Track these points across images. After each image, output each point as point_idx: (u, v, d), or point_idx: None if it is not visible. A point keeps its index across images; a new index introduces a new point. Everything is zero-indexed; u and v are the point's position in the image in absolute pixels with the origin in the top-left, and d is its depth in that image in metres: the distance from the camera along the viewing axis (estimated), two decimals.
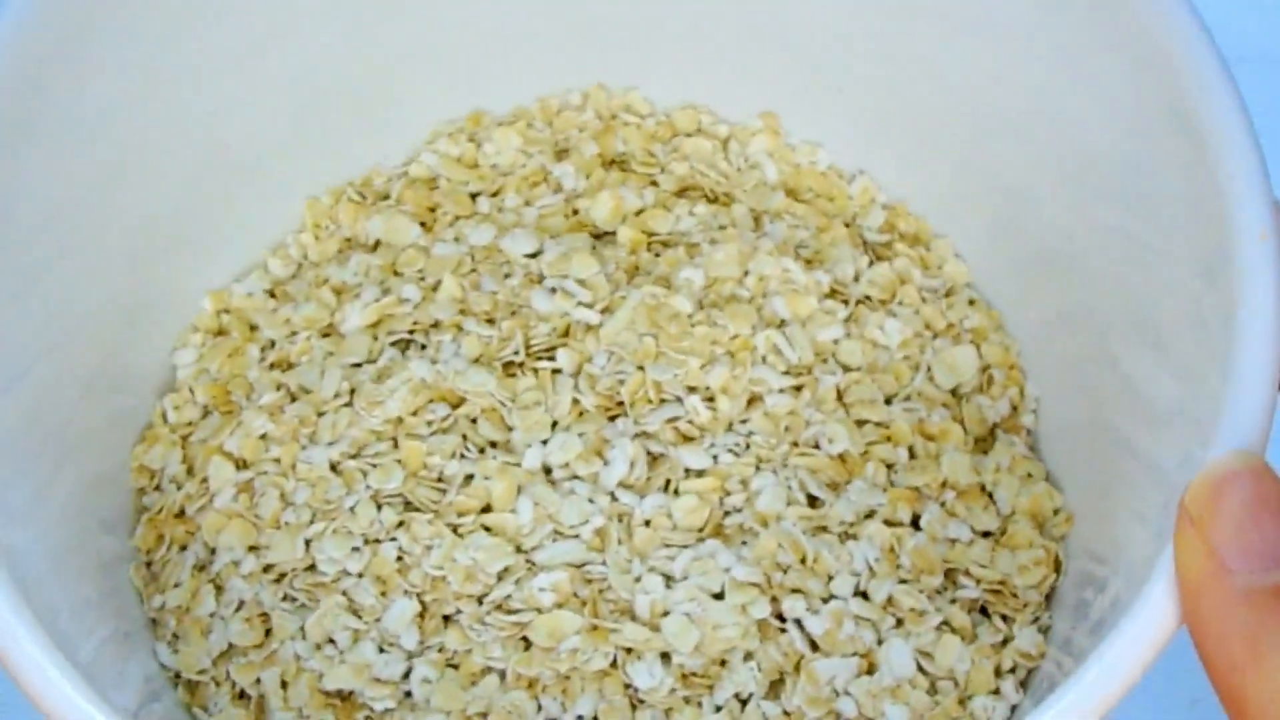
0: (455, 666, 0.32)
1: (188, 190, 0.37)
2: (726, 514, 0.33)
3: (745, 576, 0.32)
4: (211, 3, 0.34)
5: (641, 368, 0.34)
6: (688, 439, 0.34)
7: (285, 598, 0.33)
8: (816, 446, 0.34)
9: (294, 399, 0.35)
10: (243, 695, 0.33)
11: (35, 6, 0.30)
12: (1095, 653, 0.24)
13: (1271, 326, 0.25)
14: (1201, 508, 0.24)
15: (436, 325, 0.36)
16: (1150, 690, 0.37)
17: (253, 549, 0.34)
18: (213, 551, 0.34)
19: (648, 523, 0.33)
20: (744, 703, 0.31)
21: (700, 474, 0.34)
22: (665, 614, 0.32)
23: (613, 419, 0.34)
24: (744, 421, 0.34)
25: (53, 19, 0.30)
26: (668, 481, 0.34)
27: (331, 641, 0.32)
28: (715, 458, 0.34)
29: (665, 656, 0.32)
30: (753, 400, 0.35)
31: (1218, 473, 0.24)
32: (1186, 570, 0.24)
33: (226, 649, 0.33)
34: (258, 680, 0.32)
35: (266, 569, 0.33)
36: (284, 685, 0.32)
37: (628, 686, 0.31)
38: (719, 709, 0.31)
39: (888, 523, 0.33)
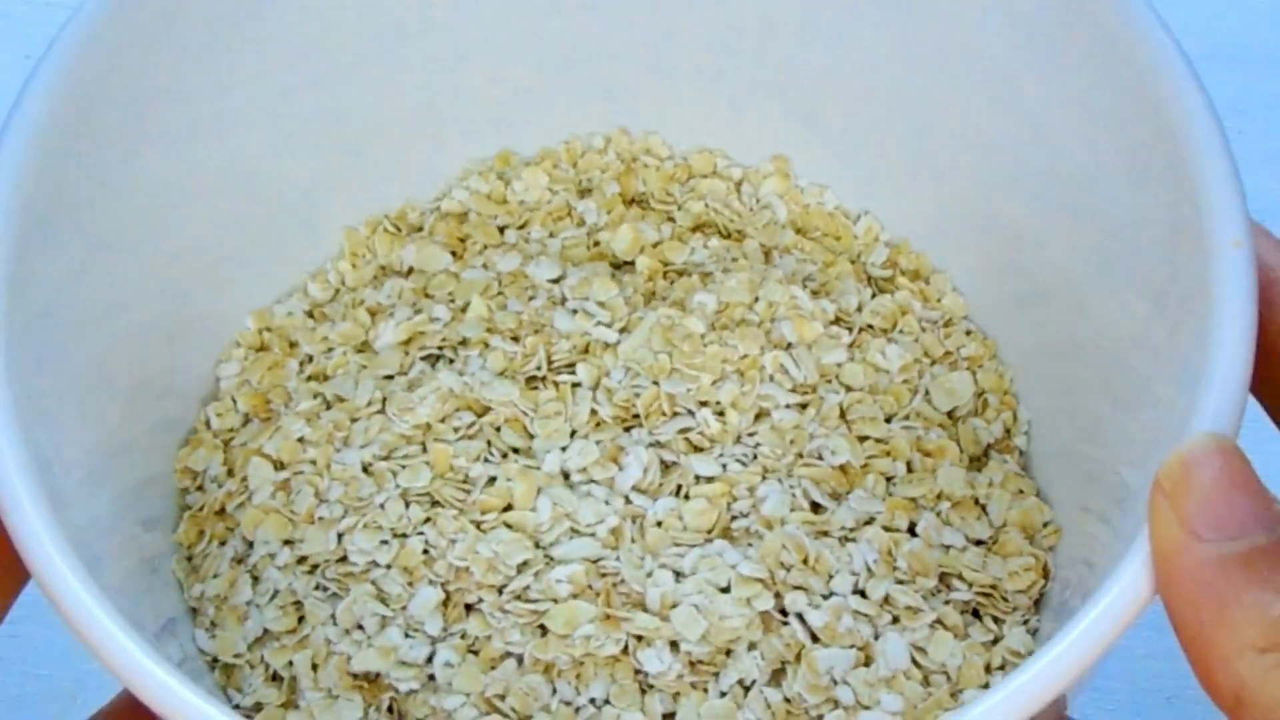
0: (476, 652, 0.34)
1: (235, 218, 0.39)
2: (734, 518, 0.35)
3: (750, 572, 0.34)
4: (261, 48, 0.37)
5: (656, 382, 0.37)
6: (698, 449, 0.36)
7: (317, 587, 0.35)
8: (820, 458, 0.36)
9: (329, 406, 0.38)
10: (275, 677, 0.35)
11: (92, 40, 0.32)
12: (1075, 618, 0.26)
13: (1245, 329, 0.27)
14: (1174, 483, 0.26)
15: (465, 342, 0.38)
16: (1128, 688, 0.39)
17: (288, 543, 0.36)
18: (250, 545, 0.36)
19: (659, 523, 0.35)
20: (747, 689, 0.33)
21: (710, 480, 0.36)
22: (674, 605, 0.34)
23: (628, 429, 0.37)
24: (751, 434, 0.37)
25: (113, 53, 0.33)
26: (679, 487, 0.36)
27: (360, 627, 0.34)
28: (724, 466, 0.36)
29: (674, 645, 0.33)
30: (760, 415, 0.37)
31: (1189, 452, 0.26)
32: (1160, 539, 0.26)
33: (261, 634, 0.35)
34: (290, 663, 0.34)
35: (300, 560, 0.35)
36: (314, 667, 0.34)
37: (638, 672, 0.33)
38: (724, 694, 0.33)
39: (886, 529, 0.35)
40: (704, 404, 0.37)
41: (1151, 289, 0.32)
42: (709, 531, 0.35)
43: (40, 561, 0.27)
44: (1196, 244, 0.29)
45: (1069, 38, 0.33)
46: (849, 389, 0.38)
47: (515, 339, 0.38)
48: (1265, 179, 0.51)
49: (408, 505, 0.35)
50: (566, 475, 0.36)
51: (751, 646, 0.34)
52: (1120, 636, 0.26)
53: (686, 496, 0.36)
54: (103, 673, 0.41)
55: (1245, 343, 0.27)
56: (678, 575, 0.34)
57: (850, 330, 0.39)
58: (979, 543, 0.36)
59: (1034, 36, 0.35)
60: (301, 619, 0.35)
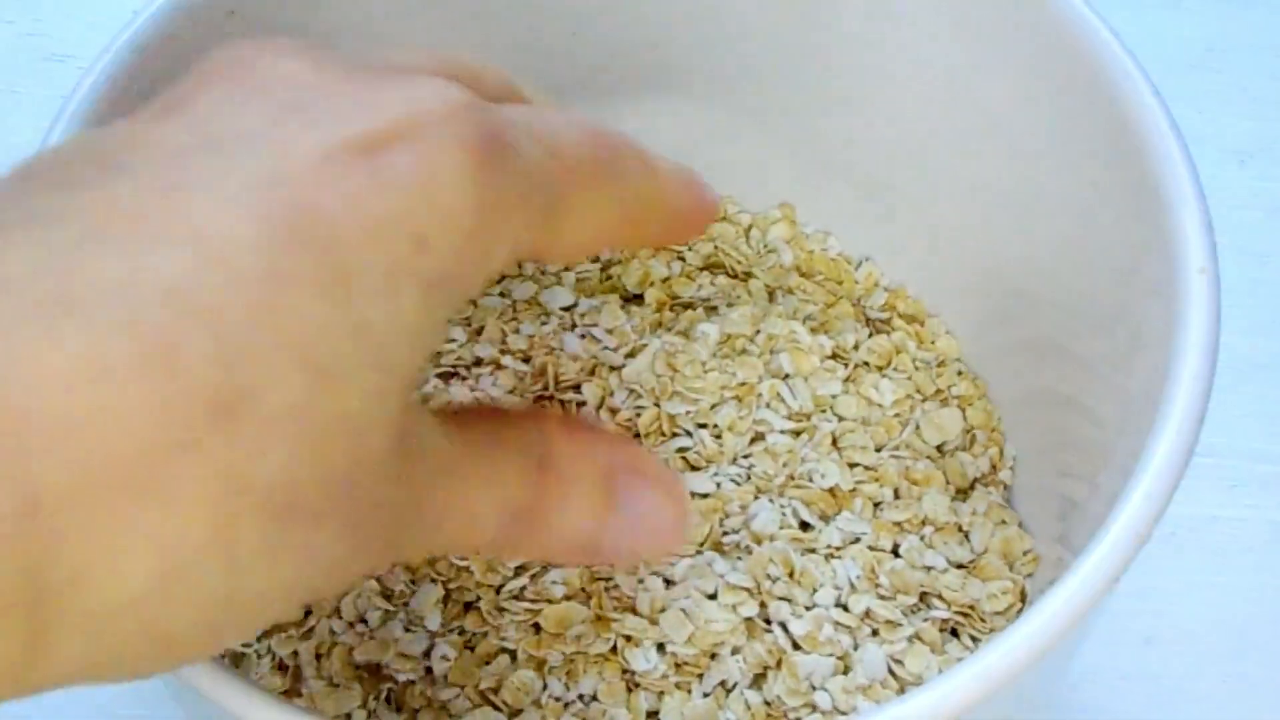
0: (472, 647, 0.35)
1: None
2: (725, 533, 0.37)
3: (737, 581, 0.35)
4: None
5: (658, 403, 0.38)
6: (695, 468, 0.38)
7: None
8: (810, 480, 0.38)
9: None
10: (281, 666, 0.36)
11: (129, 65, 0.35)
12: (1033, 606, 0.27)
13: (1206, 358, 0.29)
14: None
15: (479, 362, 0.40)
16: (1106, 629, 0.40)
17: None
18: None
19: None
20: (729, 690, 0.35)
21: (704, 497, 0.37)
22: (663, 609, 0.35)
23: None
24: (746, 456, 0.38)
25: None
26: None
27: (364, 620, 0.36)
28: (719, 484, 0.38)
29: (660, 646, 0.35)
30: (756, 438, 0.39)
31: None
32: None
33: (270, 627, 0.37)
34: (295, 653, 0.36)
35: None
36: (318, 658, 0.36)
37: (625, 671, 0.35)
38: (706, 695, 0.35)
39: (870, 548, 0.37)
40: (702, 425, 0.38)
41: (1141, 350, 0.33)
42: (701, 544, 0.37)
43: None
44: (1163, 270, 0.30)
45: (1064, 93, 0.35)
46: (841, 419, 0.39)
47: (526, 359, 0.40)
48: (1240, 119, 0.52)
49: None
50: None
51: (735, 651, 0.35)
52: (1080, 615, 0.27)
53: None
54: None
55: (1205, 372, 0.29)
56: (668, 583, 0.36)
57: (846, 365, 0.41)
58: (960, 566, 0.37)
59: (1030, 91, 0.37)
60: (309, 612, 0.37)
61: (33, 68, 0.55)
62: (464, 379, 0.40)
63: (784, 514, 0.37)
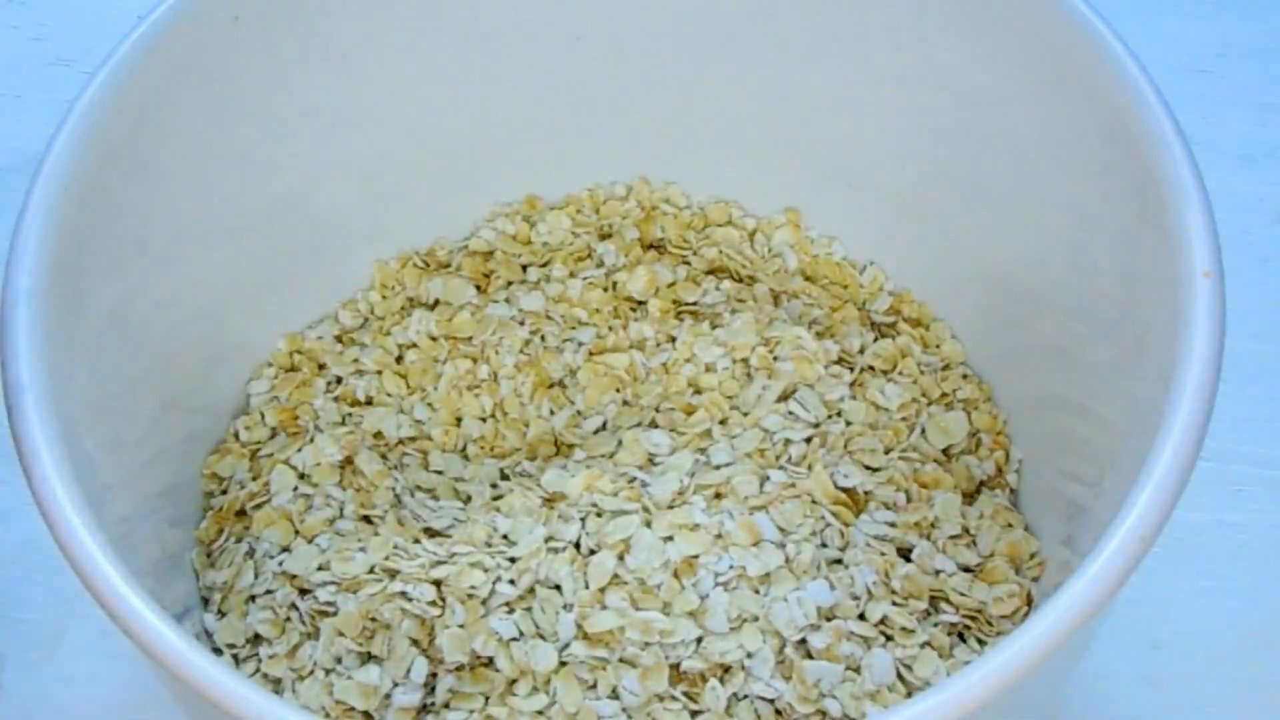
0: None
1: (273, 249, 0.42)
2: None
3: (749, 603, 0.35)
4: (308, 96, 0.40)
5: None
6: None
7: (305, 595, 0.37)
8: (834, 483, 0.38)
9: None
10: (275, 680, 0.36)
11: (139, 68, 0.35)
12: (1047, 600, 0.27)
13: (1210, 363, 0.29)
14: None
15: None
16: (1113, 633, 0.40)
17: (285, 549, 0.38)
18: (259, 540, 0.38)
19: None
20: (739, 700, 0.35)
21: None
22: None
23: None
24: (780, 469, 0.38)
25: (161, 86, 0.36)
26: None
27: (339, 660, 0.36)
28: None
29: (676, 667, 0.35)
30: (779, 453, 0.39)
31: None
32: None
33: (253, 637, 0.37)
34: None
35: (293, 577, 0.37)
36: (300, 679, 0.36)
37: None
38: (714, 706, 0.34)
39: (882, 553, 0.37)
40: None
41: (1146, 356, 0.33)
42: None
43: (77, 550, 0.28)
44: (1168, 274, 0.31)
45: (1069, 98, 0.35)
46: (849, 424, 0.39)
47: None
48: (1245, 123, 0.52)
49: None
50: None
51: (743, 667, 0.35)
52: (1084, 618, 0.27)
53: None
54: (85, 620, 0.42)
55: (1210, 376, 0.29)
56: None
57: (851, 370, 0.41)
58: (966, 569, 0.37)
59: (1035, 96, 0.37)
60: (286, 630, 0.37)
61: (38, 73, 0.55)
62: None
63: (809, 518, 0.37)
